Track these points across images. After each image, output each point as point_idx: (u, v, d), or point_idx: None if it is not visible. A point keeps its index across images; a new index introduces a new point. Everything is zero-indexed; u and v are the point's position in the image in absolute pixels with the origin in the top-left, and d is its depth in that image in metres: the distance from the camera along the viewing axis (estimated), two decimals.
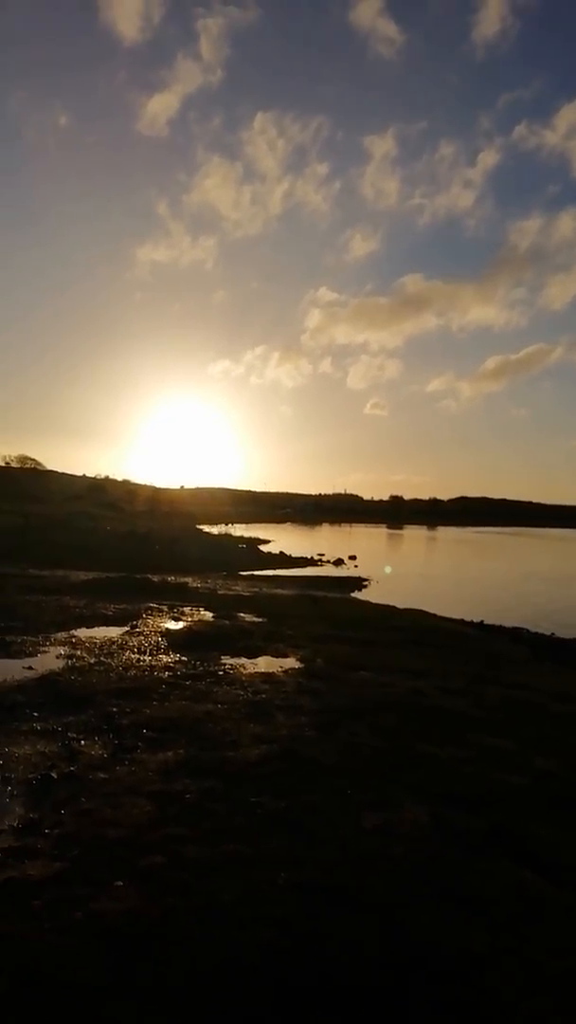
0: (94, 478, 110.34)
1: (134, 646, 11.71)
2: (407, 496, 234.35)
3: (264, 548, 53.47)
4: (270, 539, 66.42)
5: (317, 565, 43.50)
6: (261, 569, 36.87)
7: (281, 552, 48.87)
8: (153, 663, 10.57)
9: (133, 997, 3.45)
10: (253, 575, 32.79)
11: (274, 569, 37.68)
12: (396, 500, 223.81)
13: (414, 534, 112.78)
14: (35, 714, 7.66)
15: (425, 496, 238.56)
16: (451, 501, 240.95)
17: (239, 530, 78.16)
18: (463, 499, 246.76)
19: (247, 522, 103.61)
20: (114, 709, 7.94)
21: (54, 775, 5.99)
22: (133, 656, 10.96)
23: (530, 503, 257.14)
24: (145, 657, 10.96)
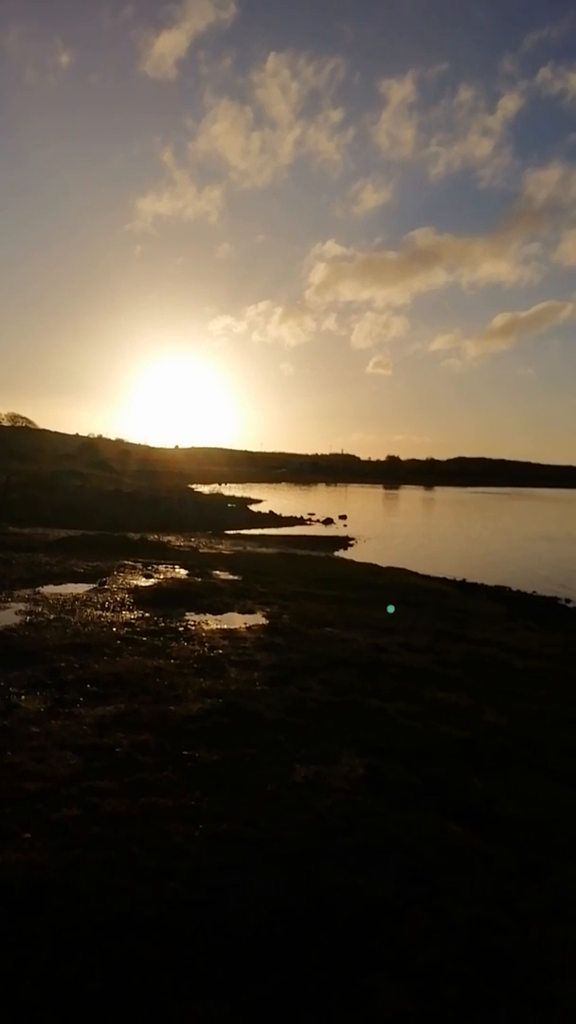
0: (87, 437, 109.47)
1: (98, 602, 11.63)
2: (406, 457, 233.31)
3: (254, 508, 53.37)
4: (262, 499, 66.30)
5: (306, 524, 43.48)
6: (249, 528, 36.82)
7: (271, 512, 48.79)
8: (114, 619, 10.49)
9: (20, 950, 3.39)
10: (239, 534, 32.75)
11: (262, 528, 37.64)
12: (393, 460, 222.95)
13: (409, 494, 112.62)
14: None
15: (424, 457, 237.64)
16: (449, 461, 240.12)
17: (232, 490, 77.92)
18: (461, 459, 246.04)
19: (242, 482, 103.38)
20: (62, 664, 7.86)
21: None
22: (95, 612, 10.88)
23: (529, 464, 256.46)
24: (107, 613, 10.88)
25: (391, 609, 13.76)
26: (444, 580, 21.64)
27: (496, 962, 3.63)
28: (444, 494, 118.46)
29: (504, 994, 3.42)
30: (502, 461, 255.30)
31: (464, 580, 22.07)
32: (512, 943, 3.80)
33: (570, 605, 18.62)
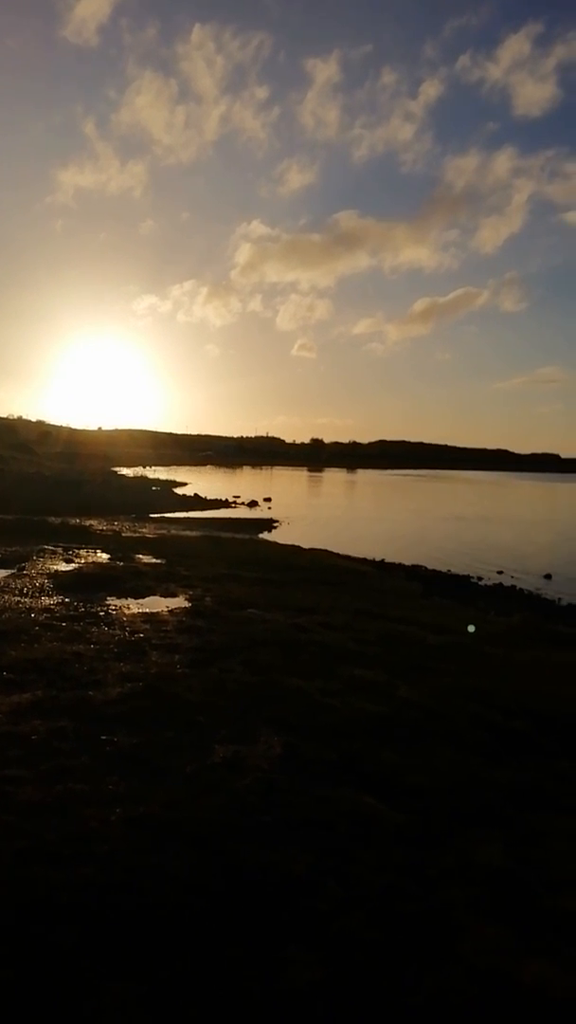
0: (6, 419, 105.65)
1: (16, 588, 11.32)
2: (330, 440, 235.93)
3: (180, 491, 52.89)
4: (187, 482, 65.77)
5: (231, 507, 43.43)
6: (173, 511, 36.48)
7: (196, 494, 48.49)
8: (32, 605, 10.24)
9: None
10: (164, 517, 32.42)
11: (187, 511, 37.35)
12: (317, 443, 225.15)
13: (333, 477, 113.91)
14: None
15: (347, 440, 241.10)
16: (370, 444, 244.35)
17: (158, 473, 76.87)
18: (382, 442, 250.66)
19: (167, 465, 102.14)
20: None
21: None
22: (12, 598, 10.59)
23: (447, 447, 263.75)
24: (25, 599, 10.61)
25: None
26: (364, 560, 22.10)
27: (404, 926, 3.79)
28: (366, 476, 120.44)
29: (411, 956, 3.58)
30: (421, 444, 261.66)
31: (383, 560, 22.59)
32: (419, 907, 3.97)
33: (481, 583, 19.39)
